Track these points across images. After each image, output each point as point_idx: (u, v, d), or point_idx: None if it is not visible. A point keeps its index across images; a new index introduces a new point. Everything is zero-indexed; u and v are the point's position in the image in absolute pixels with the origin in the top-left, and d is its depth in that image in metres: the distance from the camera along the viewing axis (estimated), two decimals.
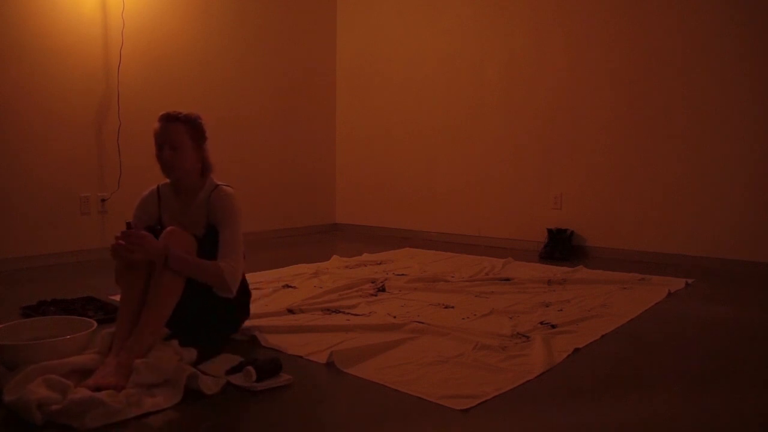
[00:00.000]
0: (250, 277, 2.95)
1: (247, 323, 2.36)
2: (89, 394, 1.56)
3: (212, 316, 2.14)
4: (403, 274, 3.47)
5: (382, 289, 3.10)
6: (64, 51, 3.83)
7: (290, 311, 2.64)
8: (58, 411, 1.50)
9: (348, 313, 2.64)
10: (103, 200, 4.04)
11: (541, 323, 2.49)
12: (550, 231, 4.35)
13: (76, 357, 1.79)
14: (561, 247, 4.23)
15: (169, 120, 2.13)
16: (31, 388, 1.55)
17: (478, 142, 4.86)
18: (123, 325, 1.91)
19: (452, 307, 2.77)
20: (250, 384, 1.77)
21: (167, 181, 2.24)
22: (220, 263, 2.05)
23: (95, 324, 2.02)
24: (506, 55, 4.67)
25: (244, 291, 2.29)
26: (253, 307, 2.51)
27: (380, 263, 3.90)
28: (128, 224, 1.94)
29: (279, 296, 2.95)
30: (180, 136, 2.12)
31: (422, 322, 2.44)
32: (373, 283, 3.21)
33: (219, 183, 2.23)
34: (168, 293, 1.94)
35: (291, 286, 3.16)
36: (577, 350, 2.17)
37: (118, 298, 2.70)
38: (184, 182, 2.19)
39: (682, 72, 3.93)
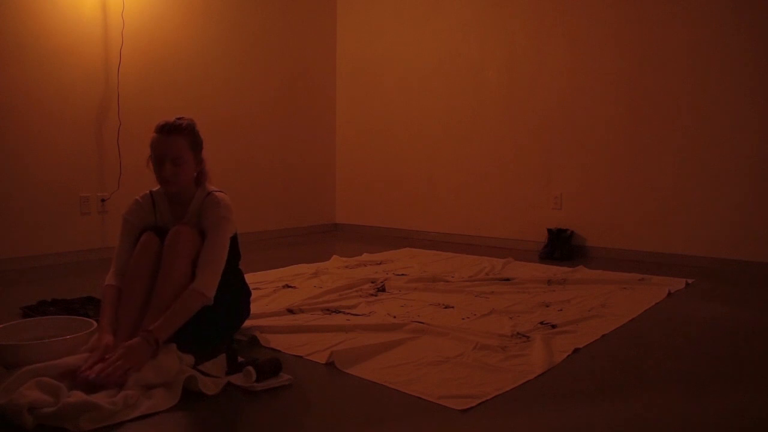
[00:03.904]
0: (250, 277, 2.96)
1: (247, 323, 2.36)
2: (83, 397, 1.54)
3: (213, 317, 2.14)
4: (403, 274, 3.47)
5: (382, 289, 3.10)
6: (64, 51, 3.83)
7: (290, 311, 2.64)
8: (51, 414, 1.49)
9: (348, 313, 2.64)
10: (103, 200, 4.04)
11: (541, 323, 2.49)
12: (550, 231, 4.35)
13: (69, 358, 1.77)
14: (561, 247, 4.23)
15: (170, 132, 2.02)
16: (23, 391, 1.53)
17: (478, 142, 4.85)
18: (129, 313, 1.93)
19: (452, 307, 2.77)
20: (250, 384, 1.76)
21: (159, 186, 2.21)
22: (195, 284, 1.95)
23: (95, 324, 2.01)
24: (506, 55, 4.67)
25: (245, 291, 2.29)
26: (253, 307, 2.51)
27: (380, 263, 3.90)
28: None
29: (279, 296, 2.95)
30: (181, 150, 2.02)
31: (422, 322, 2.44)
32: (373, 283, 3.21)
33: (212, 189, 2.18)
34: (178, 279, 1.96)
35: (291, 286, 3.16)
36: (577, 350, 2.17)
37: None
38: (180, 194, 2.14)
39: (683, 71, 3.93)
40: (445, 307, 2.77)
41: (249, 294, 2.31)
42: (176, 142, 2.03)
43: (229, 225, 2.10)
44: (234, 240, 2.17)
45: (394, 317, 2.57)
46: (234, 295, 2.20)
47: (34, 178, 3.74)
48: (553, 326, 2.45)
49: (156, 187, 2.20)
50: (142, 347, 1.77)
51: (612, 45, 4.19)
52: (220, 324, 2.18)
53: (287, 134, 5.29)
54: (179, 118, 2.08)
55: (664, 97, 4.01)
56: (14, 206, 3.66)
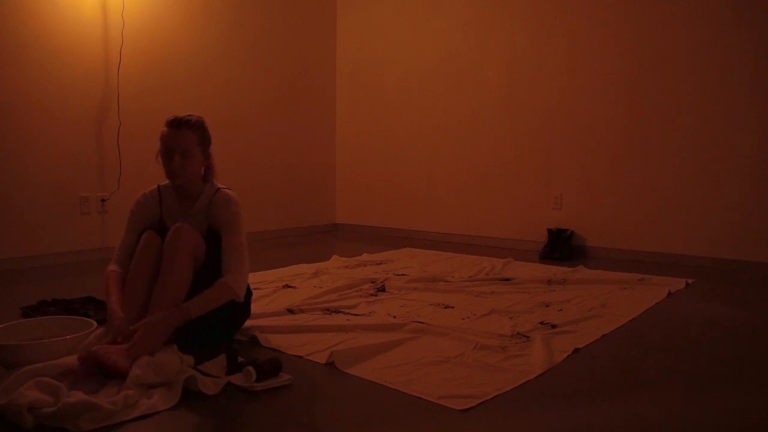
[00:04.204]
0: (251, 277, 2.94)
1: (247, 323, 2.36)
2: (83, 397, 1.55)
3: (213, 317, 2.14)
4: (403, 274, 3.47)
5: (382, 289, 3.10)
6: (64, 51, 3.83)
7: (290, 311, 2.64)
8: (50, 414, 1.49)
9: (348, 313, 2.64)
10: (103, 200, 4.04)
11: (541, 323, 2.49)
12: (550, 231, 4.35)
13: (69, 357, 1.78)
14: (561, 247, 4.23)
15: (180, 126, 2.11)
16: (23, 391, 1.53)
17: (478, 142, 4.85)
18: (130, 311, 1.94)
19: (452, 307, 2.77)
20: (250, 384, 1.77)
21: (167, 181, 2.24)
22: (226, 278, 2.04)
23: (95, 324, 2.02)
24: (506, 55, 4.67)
25: (246, 291, 2.29)
26: (253, 307, 2.52)
27: (380, 263, 3.90)
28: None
29: (279, 296, 2.95)
30: (190, 144, 2.10)
31: (422, 322, 2.44)
32: (373, 283, 3.21)
33: (220, 186, 2.23)
34: (180, 275, 1.98)
35: (291, 286, 3.16)
36: (577, 350, 2.17)
37: None
38: (186, 188, 2.19)
39: (683, 71, 3.93)
40: (445, 307, 2.77)
41: (249, 294, 2.31)
42: (185, 136, 2.10)
43: (243, 221, 2.17)
44: None
45: (394, 317, 2.57)
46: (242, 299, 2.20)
47: (34, 178, 3.74)
48: (553, 326, 2.45)
49: (164, 182, 2.23)
50: (169, 318, 1.88)
51: (612, 45, 4.19)
52: (220, 324, 2.18)
53: (287, 134, 5.29)
54: (189, 115, 2.17)
55: (664, 97, 4.01)
56: (14, 206, 3.66)
